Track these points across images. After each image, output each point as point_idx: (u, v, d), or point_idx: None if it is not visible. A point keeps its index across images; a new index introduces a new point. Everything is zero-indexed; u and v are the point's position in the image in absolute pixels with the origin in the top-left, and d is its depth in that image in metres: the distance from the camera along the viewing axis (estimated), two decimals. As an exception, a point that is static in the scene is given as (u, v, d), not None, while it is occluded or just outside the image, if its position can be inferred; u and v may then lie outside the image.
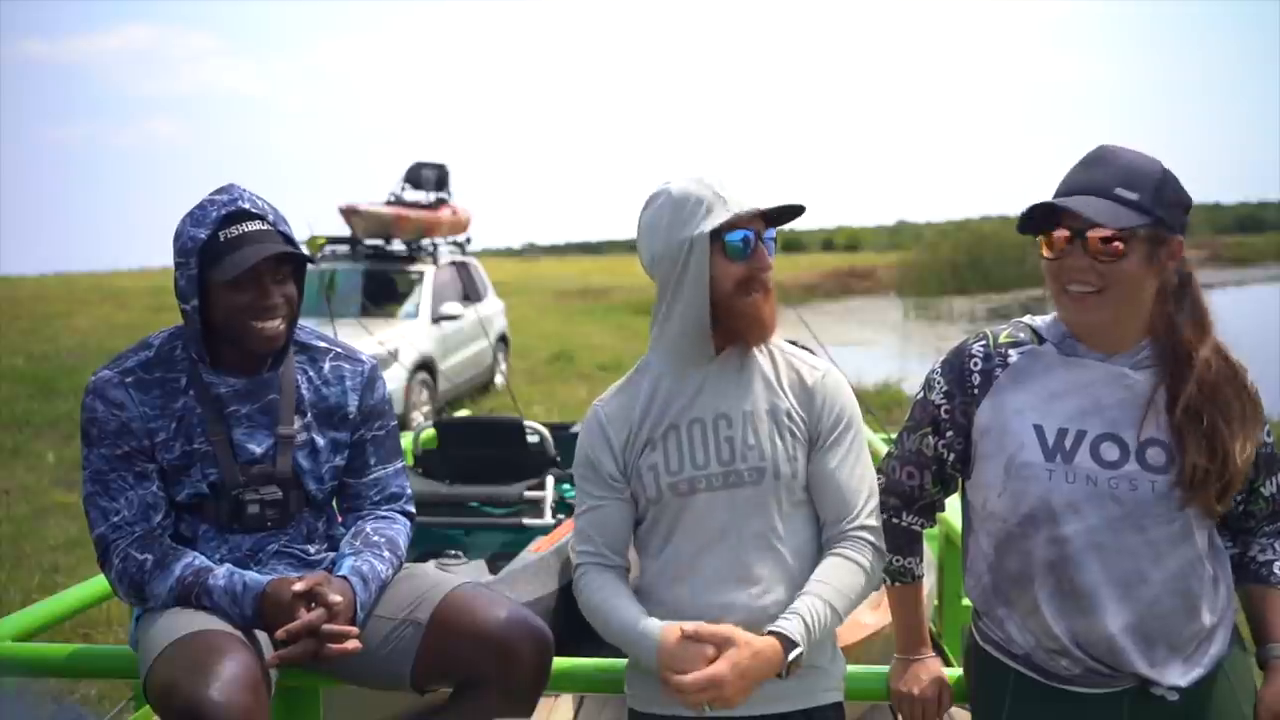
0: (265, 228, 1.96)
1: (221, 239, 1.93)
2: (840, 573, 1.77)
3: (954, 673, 1.97)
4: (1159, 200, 1.62)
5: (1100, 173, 1.64)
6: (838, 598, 1.75)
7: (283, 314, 1.99)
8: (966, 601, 3.60)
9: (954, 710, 2.04)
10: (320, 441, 2.08)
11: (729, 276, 1.77)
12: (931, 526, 1.96)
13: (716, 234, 1.75)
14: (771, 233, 1.82)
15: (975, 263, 35.23)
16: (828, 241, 69.64)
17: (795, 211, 1.82)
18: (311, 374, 2.10)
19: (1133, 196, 1.61)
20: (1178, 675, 1.65)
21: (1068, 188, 1.66)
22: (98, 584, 2.54)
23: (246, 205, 1.96)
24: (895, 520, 1.90)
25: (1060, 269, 1.66)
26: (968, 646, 1.88)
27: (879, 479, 1.91)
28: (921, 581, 1.96)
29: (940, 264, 35.69)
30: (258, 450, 2.02)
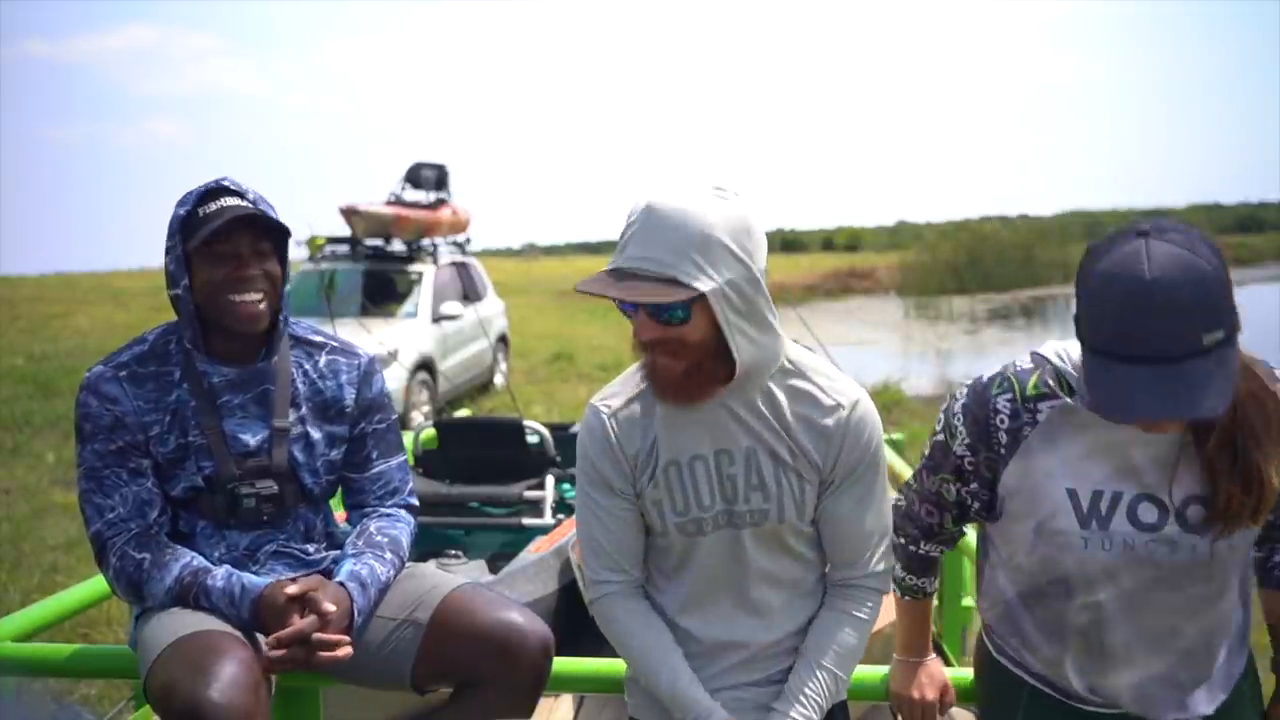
0: (243, 204, 1.95)
1: (200, 214, 1.94)
2: (844, 635, 1.73)
3: (954, 673, 1.97)
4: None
5: None
6: (844, 663, 1.73)
7: (262, 288, 1.97)
8: (967, 602, 3.62)
9: (954, 710, 2.03)
10: (316, 435, 2.07)
11: (633, 325, 1.63)
12: (950, 550, 1.91)
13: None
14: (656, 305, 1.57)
15: (975, 263, 35.25)
16: (828, 241, 69.61)
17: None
18: (307, 367, 2.09)
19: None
20: (1204, 704, 1.62)
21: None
22: (98, 584, 2.54)
23: (226, 183, 1.97)
24: (913, 548, 1.84)
25: None
26: (981, 654, 1.84)
27: (899, 502, 1.84)
28: (932, 598, 1.92)
29: (940, 264, 35.70)
30: (252, 442, 2.01)
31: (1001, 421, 1.60)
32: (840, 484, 1.71)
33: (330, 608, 1.86)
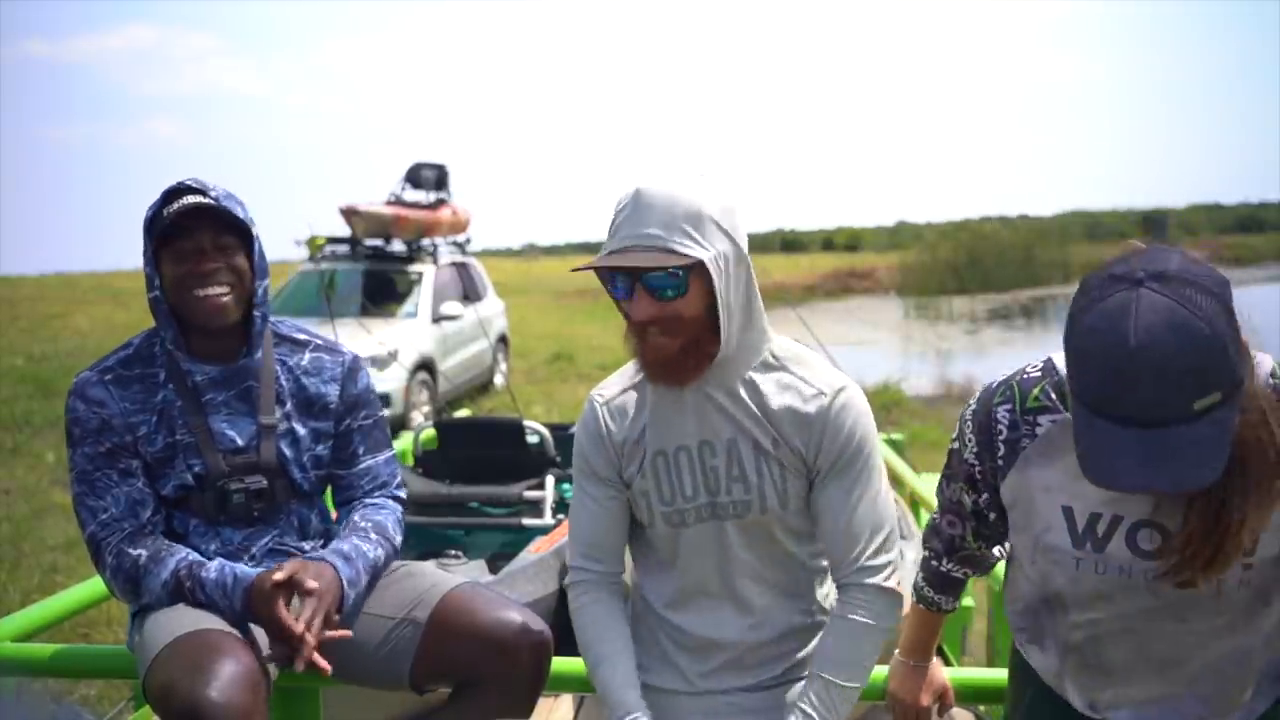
0: (205, 201, 1.95)
1: (164, 214, 1.95)
2: (836, 641, 1.71)
3: (954, 673, 1.97)
4: None
5: None
6: (840, 669, 1.70)
7: (227, 282, 1.97)
8: (967, 601, 3.61)
9: (955, 711, 2.03)
10: (301, 431, 2.08)
11: (627, 311, 1.67)
12: (981, 575, 1.86)
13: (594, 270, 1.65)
14: (652, 276, 1.60)
15: (975, 263, 35.24)
16: (828, 241, 69.61)
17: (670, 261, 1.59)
18: (291, 364, 2.11)
19: None
20: None
21: None
22: (97, 584, 2.54)
23: (189, 183, 1.97)
24: (935, 563, 1.79)
25: None
26: (1011, 647, 1.80)
27: (934, 517, 1.78)
28: (947, 614, 1.87)
29: (940, 264, 35.69)
30: (240, 439, 2.02)
31: (1000, 431, 1.54)
32: (826, 474, 1.71)
33: (313, 584, 1.87)
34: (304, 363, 2.11)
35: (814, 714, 1.69)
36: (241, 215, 1.99)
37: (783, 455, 1.71)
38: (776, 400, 1.71)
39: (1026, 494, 1.53)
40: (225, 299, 1.97)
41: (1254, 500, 1.32)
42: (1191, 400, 1.22)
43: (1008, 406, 1.54)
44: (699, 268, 1.60)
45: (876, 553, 1.73)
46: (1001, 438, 1.54)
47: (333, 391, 2.12)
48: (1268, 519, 1.36)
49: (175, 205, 1.94)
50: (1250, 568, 1.43)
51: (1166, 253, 1.30)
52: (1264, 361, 1.39)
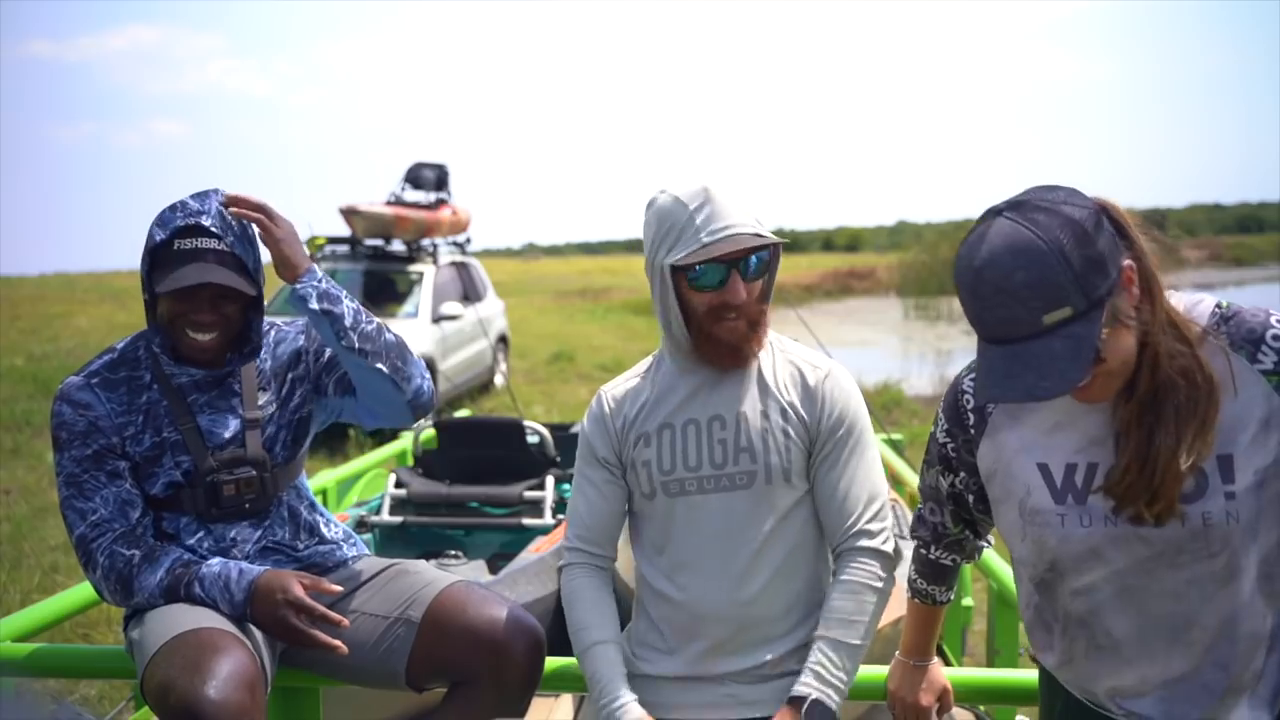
0: (219, 248, 1.95)
1: (175, 248, 1.94)
2: (839, 602, 1.77)
3: (954, 673, 1.97)
4: None
5: None
6: (844, 629, 1.75)
7: (215, 329, 1.99)
8: (967, 601, 3.61)
9: (955, 711, 2.03)
10: (294, 390, 2.13)
11: (701, 303, 1.77)
12: (970, 562, 1.87)
13: (684, 264, 1.74)
14: (752, 260, 1.77)
15: (975, 263, 35.16)
16: (828, 241, 69.72)
17: (772, 243, 1.79)
18: (263, 346, 2.14)
19: None
20: (1245, 715, 1.48)
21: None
22: (97, 584, 2.54)
23: (207, 223, 1.95)
24: (923, 551, 1.81)
25: None
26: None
27: (919, 507, 1.81)
28: (944, 607, 1.87)
29: (940, 264, 35.62)
30: (226, 434, 2.04)
31: (967, 401, 1.60)
32: (826, 443, 1.80)
33: (335, 587, 1.92)
34: (271, 339, 2.16)
35: (823, 671, 1.72)
36: (249, 266, 1.99)
37: (790, 424, 1.80)
38: (783, 374, 1.85)
39: (1003, 460, 1.56)
40: (211, 345, 2.00)
41: (1188, 427, 1.38)
42: (1039, 314, 1.30)
43: (972, 377, 1.60)
44: (772, 254, 1.81)
45: (873, 518, 1.81)
46: (969, 407, 1.60)
47: (301, 340, 2.18)
48: (1207, 445, 1.39)
49: (189, 245, 1.93)
50: (1233, 497, 1.41)
51: (1043, 189, 1.37)
52: (1205, 300, 1.47)
